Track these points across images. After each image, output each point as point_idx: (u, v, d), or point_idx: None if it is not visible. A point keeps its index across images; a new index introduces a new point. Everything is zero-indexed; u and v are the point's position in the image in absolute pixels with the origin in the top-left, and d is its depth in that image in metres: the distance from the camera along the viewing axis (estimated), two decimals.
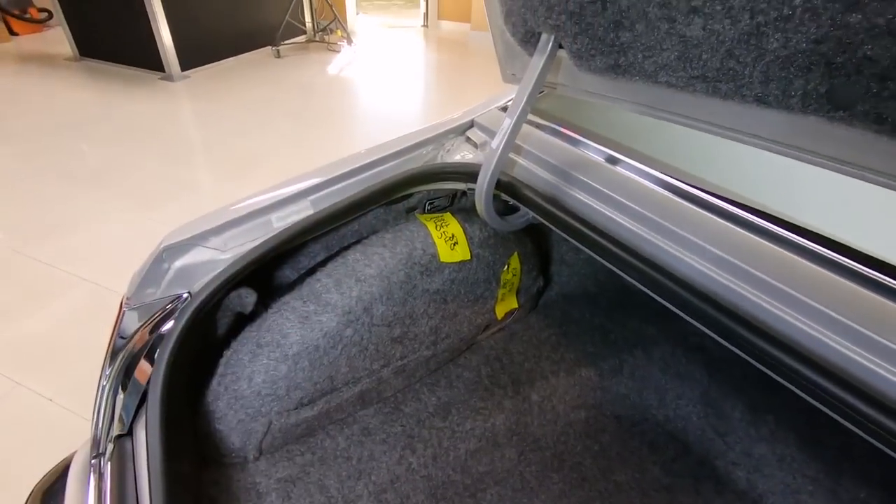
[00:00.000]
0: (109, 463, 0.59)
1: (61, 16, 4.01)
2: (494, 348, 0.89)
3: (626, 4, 0.44)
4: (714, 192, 0.60)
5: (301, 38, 4.90)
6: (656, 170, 0.63)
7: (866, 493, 0.74)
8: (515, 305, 0.84)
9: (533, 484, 0.84)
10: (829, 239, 0.52)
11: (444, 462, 0.77)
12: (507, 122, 0.57)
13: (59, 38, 4.43)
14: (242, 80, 4.01)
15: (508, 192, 0.62)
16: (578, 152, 0.67)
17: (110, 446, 0.59)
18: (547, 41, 0.54)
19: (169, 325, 0.57)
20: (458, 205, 0.77)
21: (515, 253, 0.76)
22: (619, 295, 1.06)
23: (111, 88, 3.72)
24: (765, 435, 0.83)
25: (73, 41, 4.14)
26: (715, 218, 0.57)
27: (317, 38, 4.91)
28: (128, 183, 2.58)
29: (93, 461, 0.63)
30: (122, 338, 0.57)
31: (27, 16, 4.88)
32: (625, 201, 0.59)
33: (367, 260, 0.62)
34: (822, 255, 0.51)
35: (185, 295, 0.57)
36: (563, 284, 0.99)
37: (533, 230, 0.83)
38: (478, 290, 0.73)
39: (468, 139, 0.75)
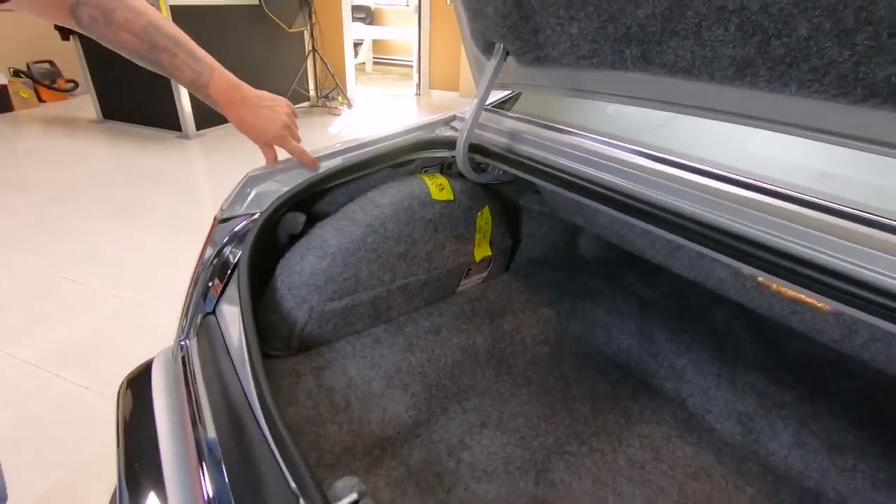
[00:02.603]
0: (196, 336, 0.83)
1: (90, 82, 4.46)
2: (473, 293, 1.15)
3: (539, 18, 0.75)
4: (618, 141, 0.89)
5: (305, 104, 5.41)
6: (581, 131, 0.93)
7: (753, 377, 0.98)
8: (489, 253, 1.11)
9: (506, 395, 1.07)
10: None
11: (436, 366, 1.00)
12: (474, 103, 0.88)
13: (81, 105, 4.90)
14: None
15: (479, 151, 0.91)
16: (526, 126, 0.97)
17: (197, 324, 0.83)
18: (498, 48, 0.85)
19: (243, 233, 0.83)
20: (447, 173, 1.07)
21: (486, 206, 1.04)
22: (573, 259, 1.34)
23: (132, 145, 4.10)
24: (682, 350, 1.07)
25: (97, 105, 4.58)
26: (619, 152, 0.85)
27: (319, 104, 5.41)
28: (152, 219, 2.87)
29: (181, 341, 0.86)
30: (211, 245, 0.83)
31: (55, 85, 5.38)
32: (558, 147, 0.88)
33: (382, 195, 0.89)
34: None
35: (257, 213, 0.84)
36: (529, 253, 1.26)
37: (500, 197, 1.12)
38: (459, 228, 1.00)
39: (451, 128, 1.06)
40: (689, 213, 0.66)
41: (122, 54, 0.74)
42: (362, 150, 0.94)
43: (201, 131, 4.42)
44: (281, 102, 0.83)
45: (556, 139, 0.91)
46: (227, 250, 0.83)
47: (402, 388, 0.95)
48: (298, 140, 0.86)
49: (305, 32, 5.14)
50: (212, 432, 0.66)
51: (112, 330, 1.99)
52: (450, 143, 0.96)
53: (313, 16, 4.94)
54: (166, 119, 4.33)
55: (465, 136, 0.88)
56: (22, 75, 5.14)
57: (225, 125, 4.66)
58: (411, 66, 7.48)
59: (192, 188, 3.43)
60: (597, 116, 1.09)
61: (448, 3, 5.55)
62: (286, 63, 5.10)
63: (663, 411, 1.04)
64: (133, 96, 4.40)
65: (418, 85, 6.33)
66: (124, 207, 3.01)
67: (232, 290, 0.81)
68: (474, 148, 0.91)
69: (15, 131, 4.42)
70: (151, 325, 2.03)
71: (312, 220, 0.89)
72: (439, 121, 1.05)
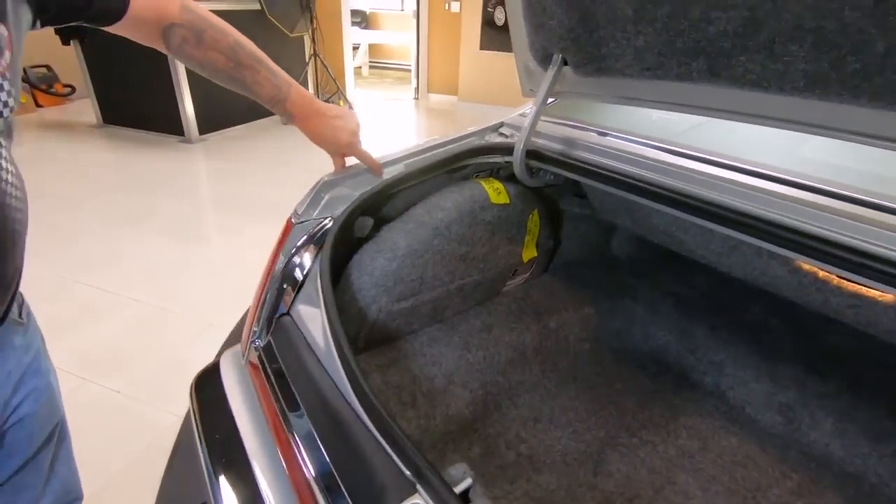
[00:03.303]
0: (270, 337, 0.86)
1: (90, 86, 4.43)
2: (518, 293, 1.19)
3: (604, 34, 0.80)
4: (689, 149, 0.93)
5: None
6: (632, 137, 0.98)
7: (792, 369, 1.04)
8: (535, 254, 1.15)
9: (554, 392, 1.11)
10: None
11: (490, 363, 1.04)
12: (533, 110, 0.92)
13: (79, 110, 4.87)
14: (255, 142, 4.44)
15: (535, 156, 0.96)
16: (572, 130, 1.01)
17: (272, 326, 0.86)
18: (556, 59, 0.90)
19: (318, 236, 0.87)
20: (496, 177, 1.11)
21: (536, 209, 1.09)
22: (608, 259, 1.39)
23: (134, 150, 4.09)
24: (720, 345, 1.13)
25: (98, 109, 4.55)
26: (673, 158, 0.90)
27: None
28: (158, 225, 2.87)
29: (254, 342, 0.89)
30: (285, 248, 0.86)
31: (52, 90, 5.34)
32: (611, 150, 0.93)
33: (445, 198, 0.93)
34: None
35: (329, 218, 0.87)
36: (566, 254, 1.30)
37: (545, 200, 1.16)
38: (512, 231, 1.04)
39: (500, 134, 1.10)
40: (760, 215, 0.70)
41: (205, 73, 0.77)
42: (421, 157, 0.97)
43: (204, 136, 4.42)
44: (349, 114, 0.87)
45: (606, 143, 0.96)
46: (301, 253, 0.86)
47: (462, 384, 0.98)
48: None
49: (306, 37, 5.16)
50: (306, 424, 0.69)
51: (134, 333, 2.00)
52: (504, 149, 1.00)
53: (314, 20, 4.97)
54: (168, 123, 4.32)
55: (524, 142, 0.92)
56: None
57: (228, 129, 4.67)
58: (407, 70, 7.54)
59: (197, 194, 3.44)
60: (635, 118, 1.14)
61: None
62: (288, 68, 5.01)
63: (705, 403, 1.09)
64: (134, 100, 4.38)
65: (417, 89, 6.38)
66: (129, 214, 3.01)
67: (307, 291, 0.84)
68: (530, 153, 0.96)
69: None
70: (173, 329, 2.04)
71: (378, 223, 0.92)
72: (488, 128, 1.09)
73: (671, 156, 0.89)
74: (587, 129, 1.03)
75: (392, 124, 5.38)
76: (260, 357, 0.86)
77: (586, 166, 0.90)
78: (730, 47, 0.67)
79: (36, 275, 2.35)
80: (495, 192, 0.99)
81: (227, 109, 4.61)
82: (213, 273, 2.44)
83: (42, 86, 5.24)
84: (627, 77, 0.83)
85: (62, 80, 5.42)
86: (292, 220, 0.87)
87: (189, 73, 4.05)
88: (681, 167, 0.84)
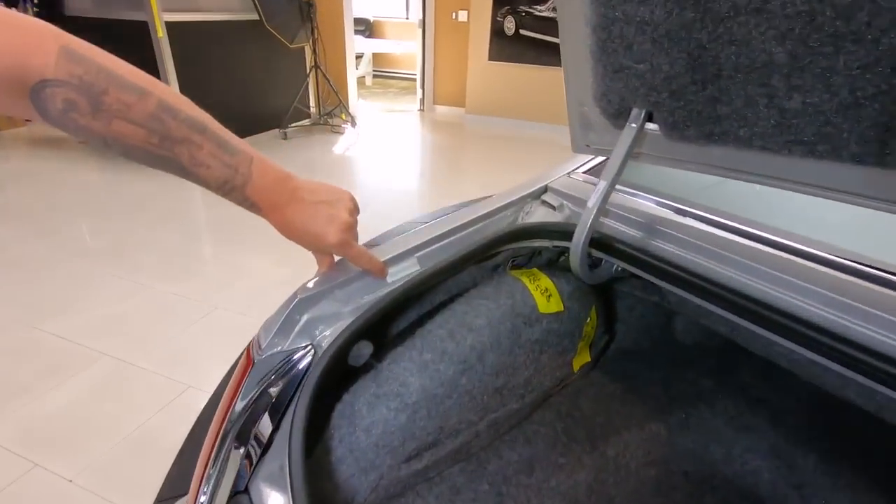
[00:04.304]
0: None
1: None
2: (564, 404, 0.91)
3: (726, 85, 0.52)
4: (787, 238, 0.66)
5: (306, 122, 5.17)
6: (727, 219, 0.70)
7: None
8: (588, 359, 0.87)
9: None
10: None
11: None
12: (602, 185, 0.64)
13: None
14: None
15: (600, 246, 0.68)
16: (655, 209, 0.74)
17: None
18: (638, 115, 0.62)
19: (291, 375, 0.59)
20: (536, 262, 0.83)
21: (594, 306, 0.81)
22: (673, 349, 1.10)
23: (126, 168, 3.82)
24: (844, 484, 0.84)
25: None
26: (787, 255, 0.62)
27: (321, 122, 5.18)
28: (141, 258, 2.60)
29: None
30: (244, 392, 0.59)
31: None
32: (704, 244, 0.65)
33: (475, 312, 0.66)
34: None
35: (308, 347, 0.60)
36: (620, 340, 1.02)
37: (604, 289, 0.89)
38: (565, 342, 0.77)
39: (543, 201, 0.82)
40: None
41: (115, 152, 0.50)
42: (440, 243, 0.70)
43: None
44: (341, 196, 0.60)
45: (691, 229, 0.68)
46: (266, 400, 0.59)
47: None
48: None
49: (307, 48, 4.91)
50: None
51: (97, 399, 1.72)
52: (553, 232, 0.73)
53: (315, 31, 4.72)
54: None
55: (587, 228, 0.65)
56: None
57: None
58: (412, 80, 7.28)
59: (185, 221, 3.15)
60: (713, 184, 0.87)
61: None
62: (287, 80, 4.86)
63: None
64: None
65: (422, 100, 6.12)
66: (108, 245, 2.74)
67: (273, 461, 0.57)
68: (593, 242, 0.68)
69: None
70: (143, 392, 1.76)
71: (380, 346, 0.65)
72: (528, 195, 0.81)
73: (789, 255, 0.62)
74: (661, 204, 0.75)
75: (396, 139, 5.11)
76: None
77: (674, 271, 0.63)
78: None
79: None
80: (543, 294, 0.71)
81: (223, 123, 4.33)
82: (197, 320, 2.17)
83: None
84: (742, 147, 0.56)
85: None
86: (253, 352, 0.59)
87: (183, 85, 3.80)
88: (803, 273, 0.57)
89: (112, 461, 1.50)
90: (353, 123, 5.18)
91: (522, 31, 5.05)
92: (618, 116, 0.65)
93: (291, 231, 0.57)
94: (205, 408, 0.99)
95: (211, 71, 4.10)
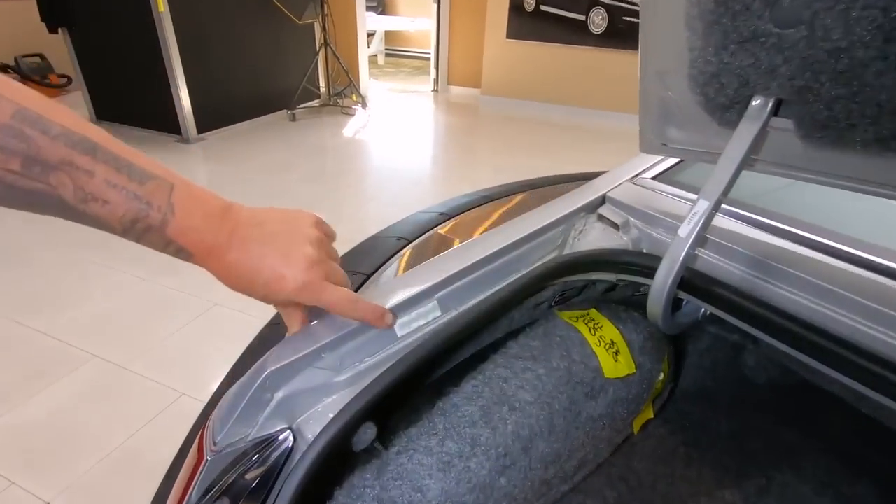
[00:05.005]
0: None
1: (81, 79, 4.04)
2: (615, 465, 0.73)
3: None
4: None
5: (315, 102, 4.97)
6: (862, 251, 0.51)
7: None
8: (651, 416, 0.69)
9: None
10: None
11: None
12: (704, 206, 0.45)
13: (74, 103, 4.45)
14: (259, 142, 4.01)
15: (689, 288, 0.49)
16: (758, 234, 0.54)
17: None
18: (763, 106, 0.43)
19: (260, 472, 0.42)
20: (588, 292, 0.64)
21: (666, 356, 0.62)
22: (741, 389, 0.91)
23: None
24: None
25: (90, 104, 4.15)
26: None
27: (331, 103, 4.97)
28: (136, 248, 2.45)
29: None
30: (192, 499, 0.42)
31: (47, 81, 4.97)
32: (839, 290, 0.46)
33: (519, 379, 0.48)
34: None
35: (286, 433, 0.42)
36: (681, 381, 0.84)
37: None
38: (632, 407, 0.59)
39: (600, 217, 0.63)
40: None
41: None
42: (468, 279, 0.51)
43: (203, 135, 3.99)
44: (298, 222, 0.42)
45: (806, 260, 0.49)
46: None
47: None
48: (345, 281, 0.43)
49: (316, 25, 4.68)
50: None
51: (83, 407, 1.58)
52: (628, 265, 0.54)
53: (325, 6, 4.47)
54: (164, 120, 3.90)
55: (678, 266, 0.46)
56: (9, 71, 4.73)
57: (231, 127, 4.23)
58: (426, 59, 7.00)
59: None
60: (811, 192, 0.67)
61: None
62: (296, 59, 4.65)
63: None
64: (128, 95, 3.97)
65: (436, 81, 5.87)
66: (102, 235, 2.59)
67: None
68: (682, 282, 0.49)
69: None
70: (132, 399, 1.63)
71: (386, 428, 0.47)
72: (580, 208, 0.62)
73: None
74: (763, 226, 0.56)
75: (408, 121, 4.89)
76: None
77: (800, 330, 0.44)
78: None
79: None
80: (609, 351, 0.53)
81: (229, 104, 4.18)
82: (195, 317, 2.02)
83: (35, 77, 4.87)
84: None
85: (57, 70, 5.05)
86: (206, 447, 0.42)
87: (186, 63, 3.61)
88: None
89: (96, 480, 1.37)
90: (364, 105, 4.97)
91: (543, 7, 4.75)
92: (728, 108, 0.45)
93: (238, 281, 0.39)
94: (196, 422, 0.84)
95: (215, 49, 3.90)
